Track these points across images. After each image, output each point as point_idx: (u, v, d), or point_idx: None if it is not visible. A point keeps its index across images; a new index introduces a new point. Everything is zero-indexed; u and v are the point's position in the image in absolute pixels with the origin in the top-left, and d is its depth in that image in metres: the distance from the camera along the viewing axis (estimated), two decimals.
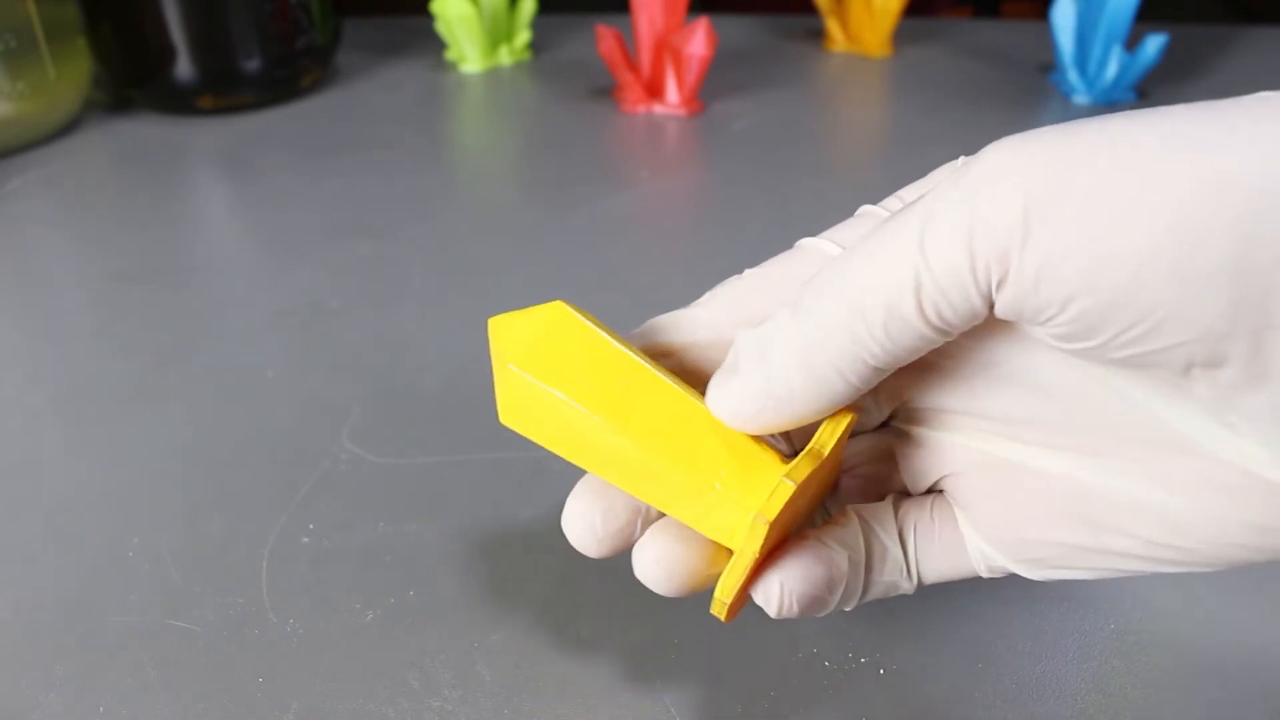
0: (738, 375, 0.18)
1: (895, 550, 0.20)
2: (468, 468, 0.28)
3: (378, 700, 0.22)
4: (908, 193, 0.20)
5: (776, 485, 0.17)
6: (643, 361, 0.18)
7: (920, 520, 0.20)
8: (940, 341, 0.16)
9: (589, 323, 0.19)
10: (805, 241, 0.20)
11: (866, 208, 0.20)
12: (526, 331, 0.19)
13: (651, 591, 0.24)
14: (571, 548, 0.25)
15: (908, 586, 0.20)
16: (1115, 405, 0.17)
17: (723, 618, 0.18)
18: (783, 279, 0.20)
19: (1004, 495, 0.18)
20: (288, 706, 0.21)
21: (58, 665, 0.22)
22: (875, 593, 0.20)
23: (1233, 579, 0.24)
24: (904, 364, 0.17)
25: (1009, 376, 0.18)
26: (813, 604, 0.19)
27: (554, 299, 0.20)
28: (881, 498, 0.20)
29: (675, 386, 0.18)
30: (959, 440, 0.19)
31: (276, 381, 0.33)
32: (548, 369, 0.18)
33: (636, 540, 0.19)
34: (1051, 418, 0.18)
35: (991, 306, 0.15)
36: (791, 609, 0.18)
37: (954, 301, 0.15)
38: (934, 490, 0.20)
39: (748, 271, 0.20)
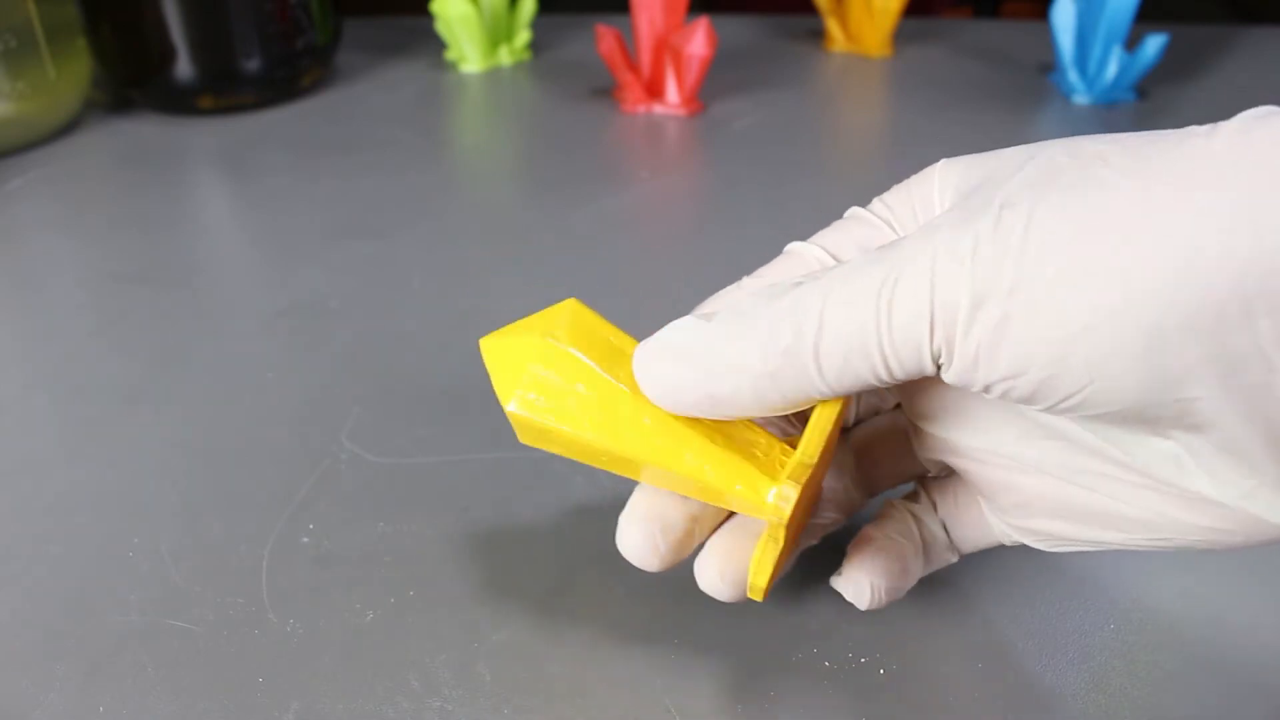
0: (682, 364, 0.19)
1: (940, 533, 0.23)
2: (468, 468, 0.28)
3: (378, 700, 0.22)
4: (891, 197, 0.21)
5: (780, 486, 0.19)
6: (625, 388, 0.19)
7: (947, 504, 0.23)
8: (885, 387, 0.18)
9: (580, 355, 0.19)
10: (794, 246, 0.22)
11: (855, 210, 0.21)
12: (527, 354, 0.19)
13: (652, 592, 0.24)
14: (570, 548, 0.26)
15: (953, 558, 0.23)
16: (1079, 437, 0.19)
17: (759, 599, 0.20)
18: None
19: (1009, 491, 0.21)
20: (288, 706, 0.21)
21: (58, 665, 0.22)
22: (930, 569, 0.23)
23: (1233, 579, 0.24)
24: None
25: (995, 402, 0.20)
26: (895, 593, 0.22)
27: (557, 299, 0.20)
28: (905, 476, 0.23)
29: (660, 412, 0.20)
30: (963, 440, 0.21)
31: (276, 381, 0.33)
32: (552, 404, 0.19)
33: (693, 549, 0.21)
34: (1032, 435, 0.20)
35: (939, 369, 0.17)
36: (881, 601, 0.22)
37: (906, 364, 0.17)
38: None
39: (745, 280, 0.21)
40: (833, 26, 0.66)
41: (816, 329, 0.17)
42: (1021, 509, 0.21)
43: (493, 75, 0.63)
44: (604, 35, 0.55)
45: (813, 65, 0.64)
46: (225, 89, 0.55)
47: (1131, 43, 0.58)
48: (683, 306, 0.22)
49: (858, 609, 0.23)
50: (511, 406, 0.19)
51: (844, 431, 0.24)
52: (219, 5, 0.52)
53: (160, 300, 0.38)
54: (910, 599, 0.24)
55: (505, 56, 0.64)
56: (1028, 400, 0.16)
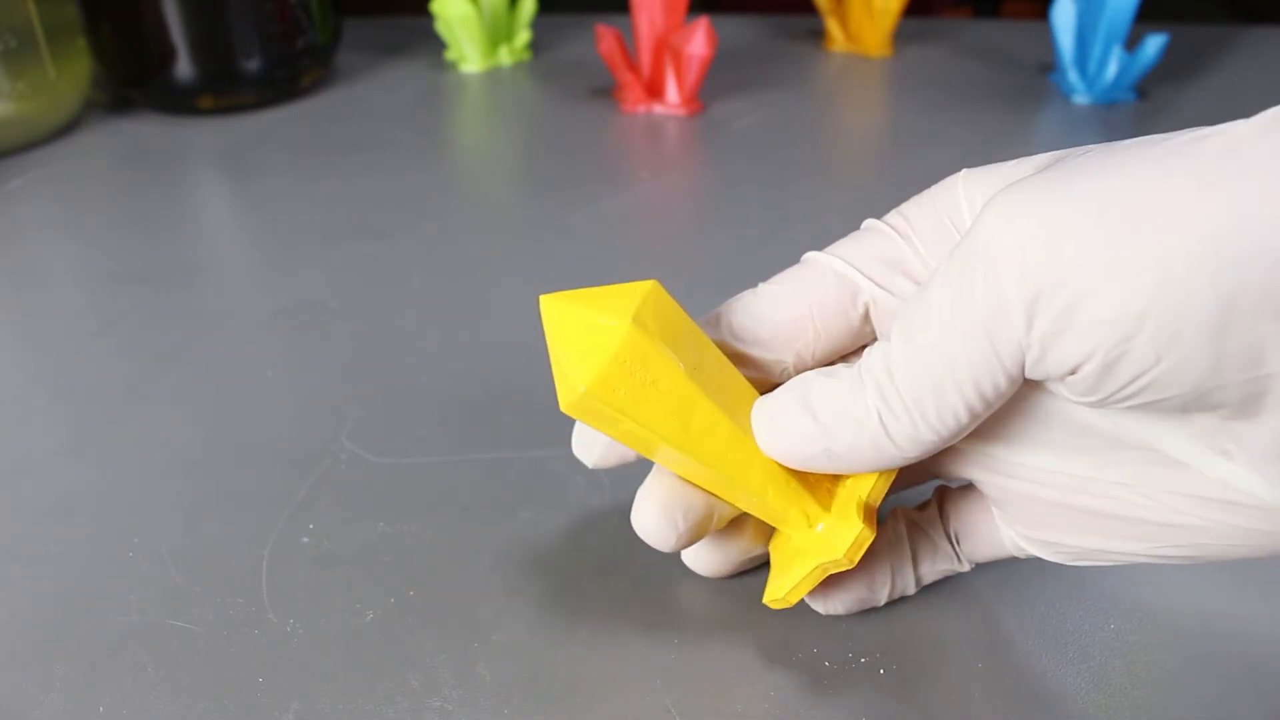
0: (805, 418, 0.19)
1: (944, 544, 0.23)
2: (468, 468, 0.29)
3: (378, 700, 0.22)
4: (910, 209, 0.21)
5: (820, 563, 0.20)
6: (704, 394, 0.19)
7: (958, 514, 0.23)
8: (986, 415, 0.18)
9: (668, 352, 0.19)
10: (811, 256, 0.22)
11: (871, 222, 0.21)
12: (607, 337, 0.18)
13: (651, 592, 0.24)
14: (570, 547, 0.26)
15: (962, 568, 0.23)
16: (1121, 436, 0.19)
17: (775, 607, 0.21)
18: (795, 295, 0.21)
19: (1028, 504, 0.20)
20: (288, 706, 0.21)
21: (58, 665, 0.22)
22: (932, 578, 0.23)
23: (1233, 579, 0.24)
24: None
25: (1024, 410, 0.20)
26: (858, 605, 0.23)
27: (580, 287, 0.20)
28: (915, 480, 0.23)
29: (731, 424, 0.20)
30: (985, 450, 0.21)
31: (276, 381, 0.33)
32: (629, 398, 0.18)
33: (709, 532, 0.21)
34: (1063, 442, 0.20)
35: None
36: (835, 611, 0.22)
37: (992, 383, 0.17)
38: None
39: (762, 285, 0.21)
40: (833, 26, 0.66)
41: (898, 386, 0.17)
42: (1039, 521, 0.20)
43: (493, 75, 0.63)
44: (604, 35, 0.55)
45: (813, 65, 0.64)
46: (225, 89, 0.55)
47: (1131, 43, 0.58)
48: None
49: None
50: (584, 389, 0.18)
51: None
52: (219, 5, 0.52)
53: (160, 300, 0.38)
54: (910, 599, 0.24)
55: (505, 56, 0.64)
56: (1095, 389, 0.16)
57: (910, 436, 0.18)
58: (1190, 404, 0.16)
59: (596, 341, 0.18)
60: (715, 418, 0.19)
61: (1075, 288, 0.15)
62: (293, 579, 0.25)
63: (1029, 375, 0.17)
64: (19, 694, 0.22)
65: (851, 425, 0.18)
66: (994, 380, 0.17)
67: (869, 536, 0.20)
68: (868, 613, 0.23)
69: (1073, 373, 0.16)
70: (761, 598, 0.22)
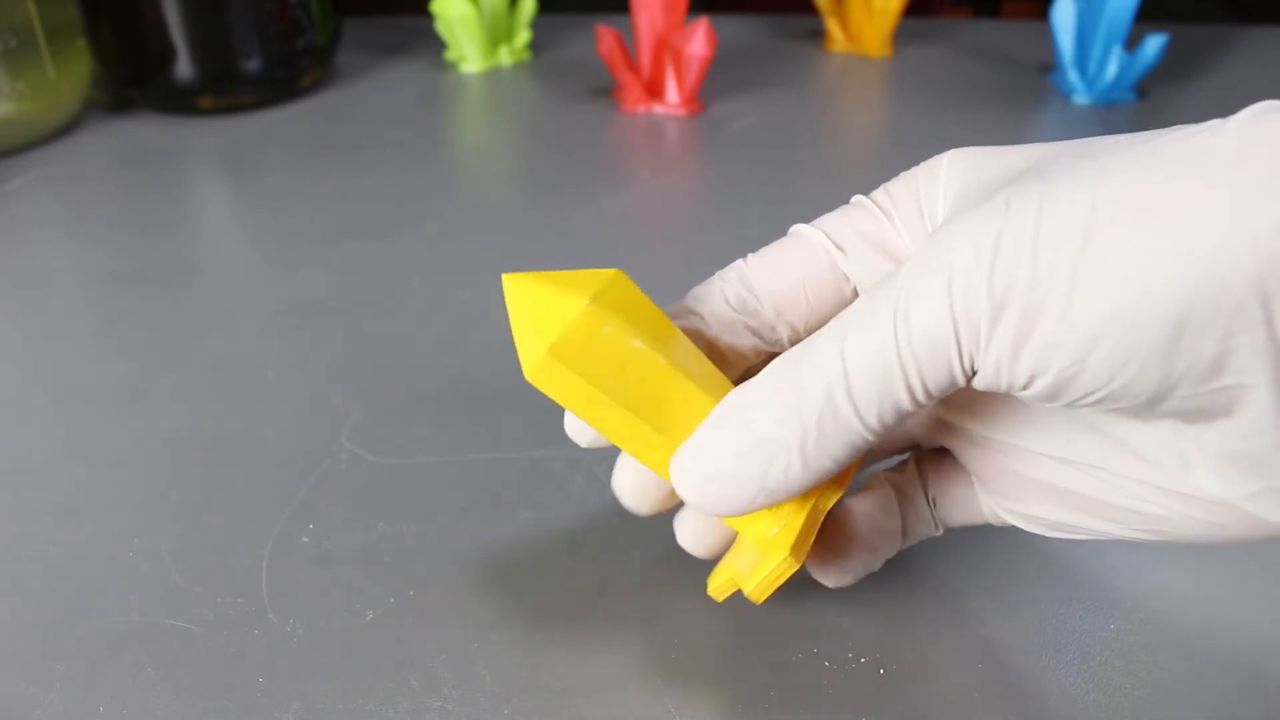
0: (726, 459, 0.18)
1: (925, 509, 0.23)
2: (468, 468, 0.29)
3: (378, 700, 0.22)
4: (895, 187, 0.21)
5: (781, 561, 0.19)
6: (665, 360, 0.19)
7: (938, 480, 0.22)
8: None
9: (625, 324, 0.19)
10: (799, 228, 0.22)
11: (859, 198, 0.22)
12: (565, 310, 0.18)
13: (651, 592, 0.24)
14: (569, 547, 0.26)
15: (936, 533, 0.23)
16: (1090, 423, 0.19)
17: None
18: (787, 268, 0.21)
19: (1005, 476, 0.21)
20: (288, 706, 0.21)
21: (58, 665, 0.22)
22: (910, 542, 0.23)
23: (1233, 579, 0.24)
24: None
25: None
26: (862, 573, 0.22)
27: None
28: (898, 448, 0.23)
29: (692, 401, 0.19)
30: (966, 426, 0.21)
31: (276, 381, 0.33)
32: (586, 368, 0.18)
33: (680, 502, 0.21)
34: (1041, 422, 0.20)
35: (971, 377, 0.17)
36: (845, 583, 0.22)
37: (940, 383, 0.17)
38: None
39: (751, 258, 0.22)
40: (833, 26, 0.66)
41: (843, 376, 0.17)
42: (1017, 494, 0.20)
43: (493, 75, 0.63)
44: (604, 35, 0.55)
45: (813, 65, 0.64)
46: (225, 89, 0.55)
47: (1131, 43, 0.58)
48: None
49: (859, 609, 0.24)
50: (545, 351, 0.18)
51: None
52: (219, 5, 0.52)
53: (160, 300, 0.38)
54: (910, 599, 0.24)
55: (505, 56, 0.64)
56: (1050, 399, 0.16)
57: (847, 444, 0.17)
58: (1143, 412, 0.16)
59: (558, 314, 0.18)
60: (675, 379, 0.19)
61: (1030, 306, 0.15)
62: (293, 579, 0.25)
63: (982, 386, 0.17)
64: (19, 694, 0.22)
65: (781, 450, 0.18)
66: (953, 379, 0.17)
67: (791, 567, 0.19)
68: (868, 612, 0.23)
69: (1026, 387, 0.16)
70: (755, 600, 0.21)
